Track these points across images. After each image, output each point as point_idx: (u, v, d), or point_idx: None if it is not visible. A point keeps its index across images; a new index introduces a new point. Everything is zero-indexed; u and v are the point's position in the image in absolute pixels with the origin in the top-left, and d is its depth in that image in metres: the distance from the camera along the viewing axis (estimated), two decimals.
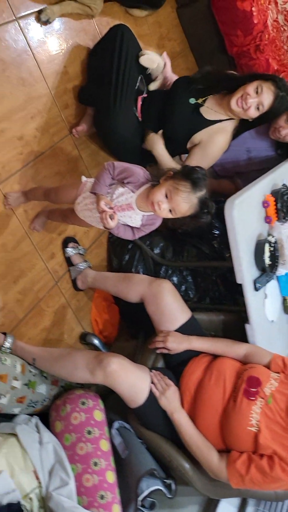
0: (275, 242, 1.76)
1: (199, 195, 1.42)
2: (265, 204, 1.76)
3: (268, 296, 1.81)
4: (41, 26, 1.93)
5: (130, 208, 1.54)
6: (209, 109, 1.96)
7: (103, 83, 1.97)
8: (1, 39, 1.75)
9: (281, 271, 1.84)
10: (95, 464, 1.50)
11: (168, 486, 1.64)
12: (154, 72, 2.11)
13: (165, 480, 1.64)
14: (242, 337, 1.77)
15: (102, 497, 1.45)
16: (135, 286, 1.84)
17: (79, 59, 2.14)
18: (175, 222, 1.51)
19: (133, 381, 1.55)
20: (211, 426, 1.54)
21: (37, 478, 1.42)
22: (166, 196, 1.43)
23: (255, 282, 1.70)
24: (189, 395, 1.62)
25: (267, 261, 1.69)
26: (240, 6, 2.66)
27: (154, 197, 1.44)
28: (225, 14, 2.77)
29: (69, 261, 2.09)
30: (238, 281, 1.67)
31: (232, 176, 2.35)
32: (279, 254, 1.77)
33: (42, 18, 1.89)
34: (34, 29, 1.89)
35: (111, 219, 1.48)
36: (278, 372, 1.58)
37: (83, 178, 1.69)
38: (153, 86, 2.14)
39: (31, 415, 1.66)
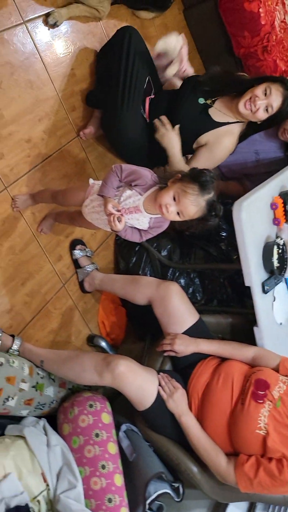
0: (284, 244, 1.75)
1: (207, 198, 1.42)
2: (273, 206, 1.75)
3: (276, 299, 1.80)
4: (48, 29, 1.94)
5: (138, 210, 1.54)
6: (218, 110, 1.96)
7: (110, 85, 1.97)
8: (9, 42, 1.76)
9: None
10: (103, 467, 1.50)
11: (176, 490, 1.63)
12: (170, 55, 2.07)
13: (172, 484, 1.63)
14: (250, 339, 1.76)
15: (110, 500, 1.45)
16: (142, 288, 1.83)
17: (87, 62, 2.15)
18: (183, 224, 1.51)
19: (141, 383, 1.55)
20: (219, 429, 1.53)
21: (45, 480, 1.42)
22: (174, 199, 1.42)
23: (263, 284, 1.69)
24: (197, 398, 1.62)
25: (275, 263, 1.69)
26: (247, 7, 2.65)
27: (162, 199, 1.44)
28: (232, 15, 2.76)
29: (76, 263, 2.10)
30: (247, 283, 1.66)
31: (239, 178, 2.35)
32: (287, 257, 1.76)
33: (49, 21, 1.90)
34: (41, 32, 1.90)
35: (118, 221, 1.48)
36: (286, 375, 1.57)
37: (91, 181, 1.69)
38: (171, 71, 2.10)
39: (39, 417, 1.66)
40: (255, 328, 1.75)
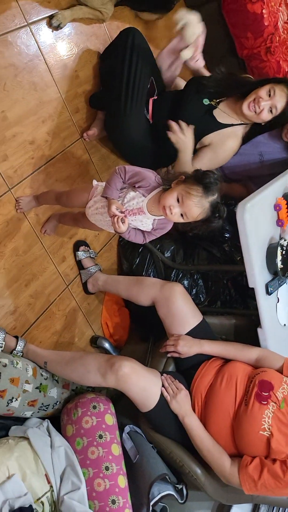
0: None
1: (211, 199, 1.42)
2: (277, 207, 1.75)
3: (280, 300, 1.80)
4: (52, 31, 1.94)
5: (141, 212, 1.54)
6: (222, 112, 1.96)
7: (113, 86, 1.97)
8: (13, 45, 1.76)
9: None
10: (107, 468, 1.50)
11: (179, 491, 1.63)
12: (186, 39, 2.01)
13: (176, 485, 1.63)
14: (253, 341, 1.76)
15: (113, 501, 1.45)
16: (146, 289, 1.84)
17: (90, 63, 2.15)
18: (186, 226, 1.51)
19: (145, 385, 1.55)
20: (223, 430, 1.53)
21: (49, 482, 1.42)
22: (178, 201, 1.42)
23: (267, 286, 1.69)
24: (200, 399, 1.62)
25: (279, 264, 1.68)
26: (250, 9, 2.65)
27: (165, 201, 1.44)
28: (236, 16, 2.76)
29: (80, 265, 2.10)
30: (250, 285, 1.66)
31: (242, 180, 2.34)
32: None
33: (53, 23, 1.91)
34: (45, 34, 1.91)
35: (122, 223, 1.48)
36: None
37: (94, 182, 1.69)
38: (187, 53, 2.04)
39: (43, 418, 1.66)
40: (259, 330, 1.75)
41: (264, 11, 2.64)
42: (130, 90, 1.94)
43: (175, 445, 1.60)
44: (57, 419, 1.68)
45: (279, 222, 1.76)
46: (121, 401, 1.79)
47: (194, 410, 1.60)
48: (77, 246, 2.09)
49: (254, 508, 1.82)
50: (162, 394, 1.58)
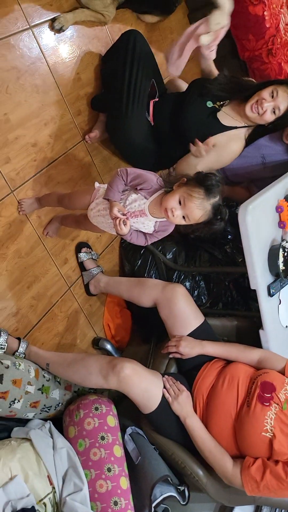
0: None
1: (213, 201, 1.42)
2: (279, 209, 1.75)
3: (282, 302, 1.80)
4: (54, 34, 1.95)
5: (143, 214, 1.55)
6: (226, 114, 1.96)
7: (115, 88, 1.98)
8: (15, 47, 1.77)
9: None
10: (109, 470, 1.50)
11: (181, 493, 1.63)
12: (212, 26, 1.96)
13: (178, 487, 1.63)
14: (255, 342, 1.76)
15: (115, 503, 1.45)
16: (148, 291, 1.84)
17: (92, 66, 2.16)
18: (188, 228, 1.51)
19: (146, 386, 1.55)
20: (225, 431, 1.53)
21: (51, 483, 1.42)
22: (180, 203, 1.43)
23: (269, 287, 1.69)
24: (202, 400, 1.62)
25: (281, 266, 1.68)
26: (252, 11, 2.66)
27: (167, 203, 1.44)
28: (237, 18, 2.76)
29: (82, 266, 2.11)
30: (252, 286, 1.66)
31: (244, 182, 2.34)
32: None
33: (55, 26, 1.92)
34: (47, 37, 1.92)
35: (124, 225, 1.49)
36: None
37: (96, 184, 1.70)
38: (206, 38, 2.00)
39: (45, 420, 1.66)
40: (260, 331, 1.75)
41: (265, 13, 2.65)
42: (131, 92, 1.94)
43: (177, 447, 1.60)
44: (59, 421, 1.68)
45: (281, 224, 1.76)
46: (123, 403, 1.79)
47: (195, 411, 1.60)
48: (79, 248, 2.10)
49: (256, 510, 1.82)
50: (163, 396, 1.58)
